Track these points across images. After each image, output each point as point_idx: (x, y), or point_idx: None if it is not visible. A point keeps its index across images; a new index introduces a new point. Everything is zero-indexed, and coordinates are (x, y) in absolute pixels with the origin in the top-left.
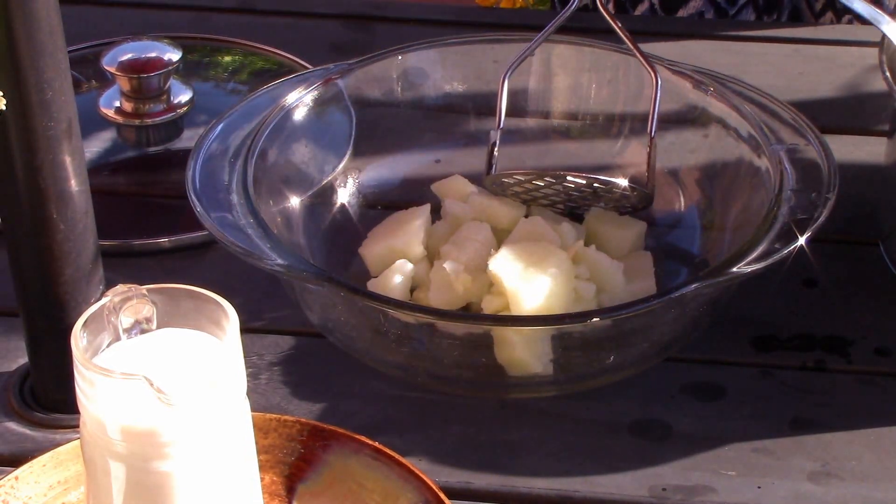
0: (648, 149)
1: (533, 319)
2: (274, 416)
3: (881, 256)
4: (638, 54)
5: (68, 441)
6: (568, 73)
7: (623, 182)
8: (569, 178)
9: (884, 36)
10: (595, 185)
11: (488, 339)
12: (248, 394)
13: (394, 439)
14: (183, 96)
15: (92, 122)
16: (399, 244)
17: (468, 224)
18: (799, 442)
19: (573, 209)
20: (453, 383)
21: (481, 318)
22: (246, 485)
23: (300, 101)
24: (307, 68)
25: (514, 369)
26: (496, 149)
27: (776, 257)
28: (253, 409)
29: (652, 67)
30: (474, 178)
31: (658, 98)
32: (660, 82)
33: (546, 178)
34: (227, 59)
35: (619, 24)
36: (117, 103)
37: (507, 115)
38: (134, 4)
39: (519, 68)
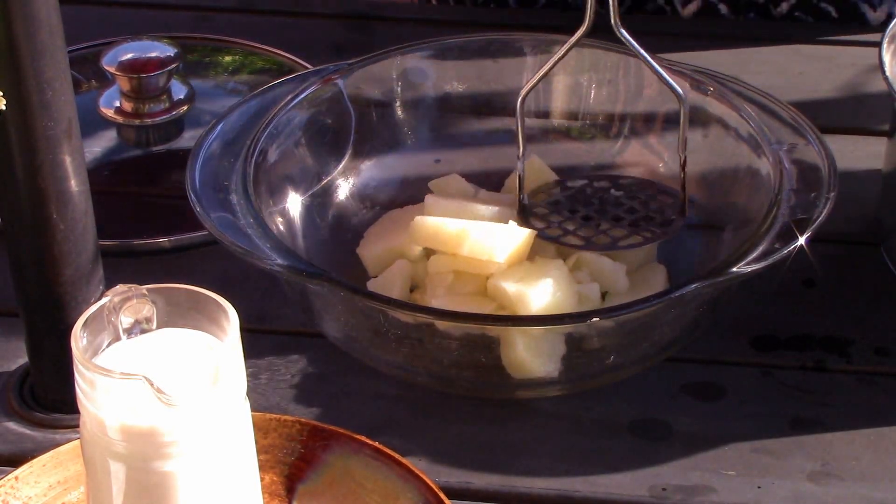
0: (682, 172)
1: (532, 319)
2: (274, 416)
3: (881, 257)
4: (662, 76)
5: (68, 441)
6: (568, 73)
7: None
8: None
9: (884, 36)
10: (632, 190)
11: (487, 340)
12: (248, 394)
13: (394, 439)
14: (183, 96)
15: (92, 122)
16: (397, 244)
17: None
18: (799, 442)
19: (603, 242)
20: (453, 383)
21: (481, 319)
22: (246, 485)
23: (300, 101)
24: (307, 68)
25: (518, 372)
26: (523, 180)
27: (776, 257)
28: (253, 409)
29: (677, 90)
30: (473, 178)
31: (686, 119)
32: (687, 103)
33: (577, 185)
34: (227, 59)
35: (639, 47)
36: (117, 103)
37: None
38: (134, 4)
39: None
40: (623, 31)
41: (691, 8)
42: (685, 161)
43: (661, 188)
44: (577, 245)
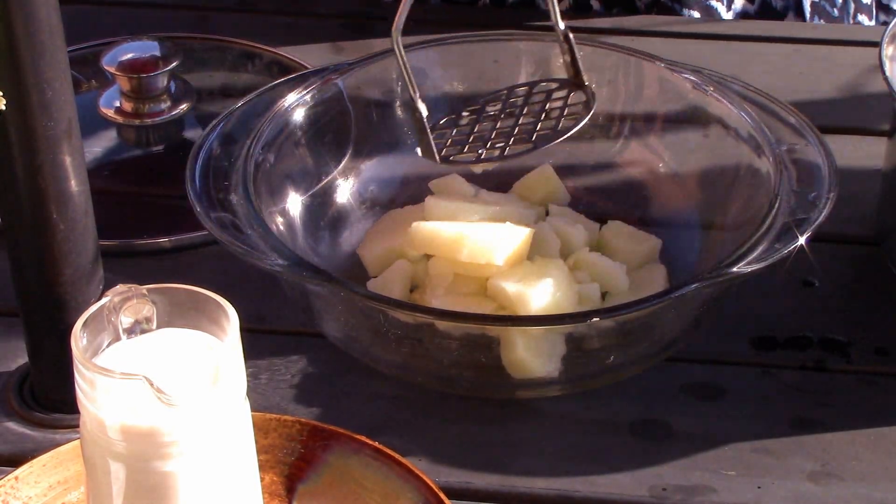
0: (565, 43)
1: (533, 319)
2: (274, 416)
3: (881, 256)
4: None
5: (68, 441)
6: (568, 73)
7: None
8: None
9: (884, 36)
10: (534, 91)
11: (487, 340)
12: (248, 394)
13: (394, 439)
14: (183, 96)
15: (92, 122)
16: (398, 244)
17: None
18: (799, 442)
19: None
20: (453, 383)
21: (481, 319)
22: (246, 485)
23: (300, 101)
24: (307, 68)
25: (518, 372)
26: (424, 122)
27: (776, 257)
28: (253, 409)
29: None
30: (473, 178)
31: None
32: None
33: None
34: (227, 59)
35: None
36: (117, 103)
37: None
38: (134, 4)
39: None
40: None
41: (562, 5)
42: (566, 34)
43: (559, 82)
44: (523, 150)
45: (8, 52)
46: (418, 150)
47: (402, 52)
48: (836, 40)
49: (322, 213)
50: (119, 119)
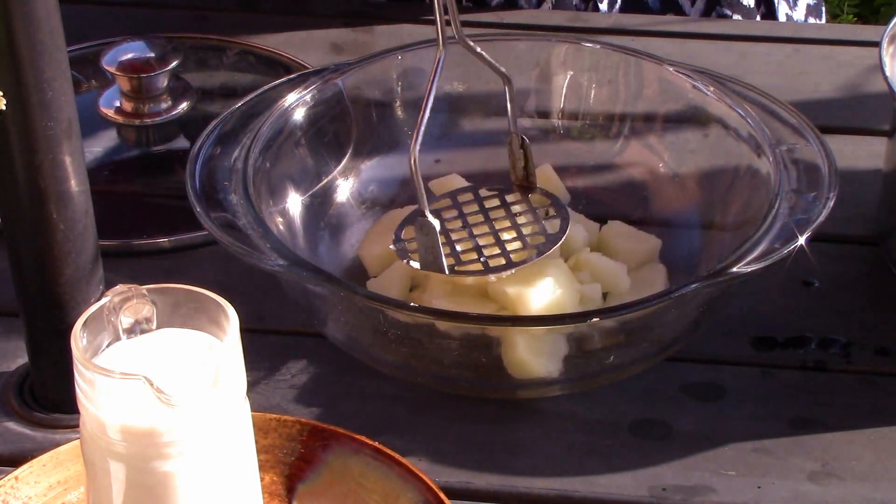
0: (522, 150)
1: (534, 319)
2: (274, 416)
3: (881, 256)
4: (488, 61)
5: (68, 441)
6: (568, 73)
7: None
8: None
9: (884, 36)
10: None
11: (488, 340)
12: (248, 394)
13: (394, 439)
14: (183, 96)
15: (92, 122)
16: None
17: None
18: (799, 442)
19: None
20: (453, 383)
21: (482, 319)
22: (246, 485)
23: (300, 101)
24: (307, 68)
25: (519, 372)
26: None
27: (776, 257)
28: (253, 409)
29: (501, 70)
30: (473, 178)
31: (513, 98)
32: (513, 84)
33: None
34: (227, 59)
35: (467, 38)
36: (117, 103)
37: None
38: (134, 4)
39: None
40: (465, 39)
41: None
42: (522, 140)
43: (502, 186)
44: (529, 256)
45: (8, 52)
46: (415, 265)
47: (418, 171)
48: (836, 40)
49: (322, 213)
50: (119, 119)
